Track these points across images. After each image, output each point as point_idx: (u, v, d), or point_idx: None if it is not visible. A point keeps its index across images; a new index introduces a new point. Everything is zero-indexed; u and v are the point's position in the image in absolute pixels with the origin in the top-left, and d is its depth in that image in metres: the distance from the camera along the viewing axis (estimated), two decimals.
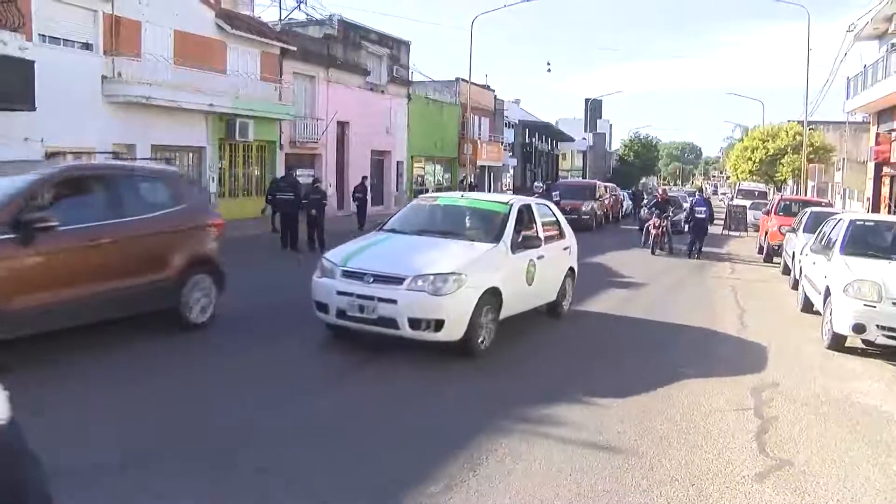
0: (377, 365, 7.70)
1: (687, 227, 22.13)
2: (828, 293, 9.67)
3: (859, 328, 8.93)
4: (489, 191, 48.12)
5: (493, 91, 48.36)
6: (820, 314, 10.46)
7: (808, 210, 17.05)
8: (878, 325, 8.83)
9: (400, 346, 7.87)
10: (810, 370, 8.48)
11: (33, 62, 16.81)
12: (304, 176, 27.31)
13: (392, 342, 7.86)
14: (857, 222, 11.06)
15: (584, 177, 68.83)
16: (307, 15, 30.68)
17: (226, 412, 5.96)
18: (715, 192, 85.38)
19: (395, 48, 35.83)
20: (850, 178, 35.52)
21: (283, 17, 30.26)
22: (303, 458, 5.08)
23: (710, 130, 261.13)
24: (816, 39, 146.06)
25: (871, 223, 11.43)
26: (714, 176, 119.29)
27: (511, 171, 53.78)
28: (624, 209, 38.19)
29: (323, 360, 7.99)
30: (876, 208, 27.83)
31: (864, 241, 10.55)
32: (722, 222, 31.52)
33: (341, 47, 31.16)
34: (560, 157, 73.52)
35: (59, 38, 19.35)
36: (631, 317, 11.26)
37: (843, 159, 36.56)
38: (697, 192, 24.33)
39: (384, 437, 5.57)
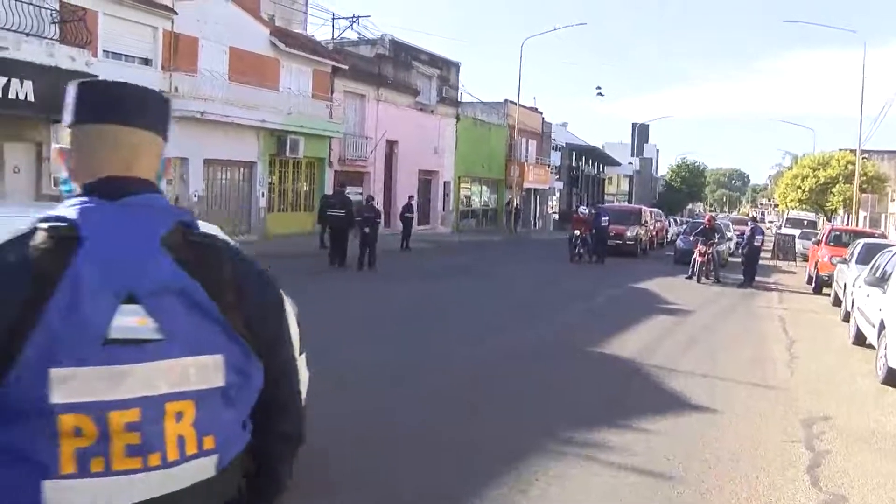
0: (420, 386, 7.75)
1: (742, 255, 21.70)
2: (882, 327, 9.48)
3: None
4: (535, 214, 48.20)
5: (541, 113, 48.46)
6: (873, 347, 10.28)
7: (861, 241, 16.77)
8: None
9: (440, 369, 7.92)
10: (863, 404, 8.32)
11: (97, 77, 17.27)
12: (352, 194, 27.68)
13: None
14: None
15: (629, 201, 68.48)
16: (359, 34, 31.15)
17: None
18: (762, 220, 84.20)
19: (445, 69, 36.15)
20: None
21: (335, 36, 30.73)
22: (342, 469, 5.13)
23: (757, 157, 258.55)
24: (870, 66, 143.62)
25: None
26: (761, 204, 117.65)
27: (557, 195, 53.71)
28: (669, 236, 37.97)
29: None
30: None
31: None
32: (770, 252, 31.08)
33: (392, 67, 31.53)
34: (606, 181, 73.22)
35: (121, 54, 19.91)
36: (677, 341, 11.17)
37: None
38: (752, 221, 23.94)
39: (433, 456, 5.61)
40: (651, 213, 35.12)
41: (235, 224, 24.08)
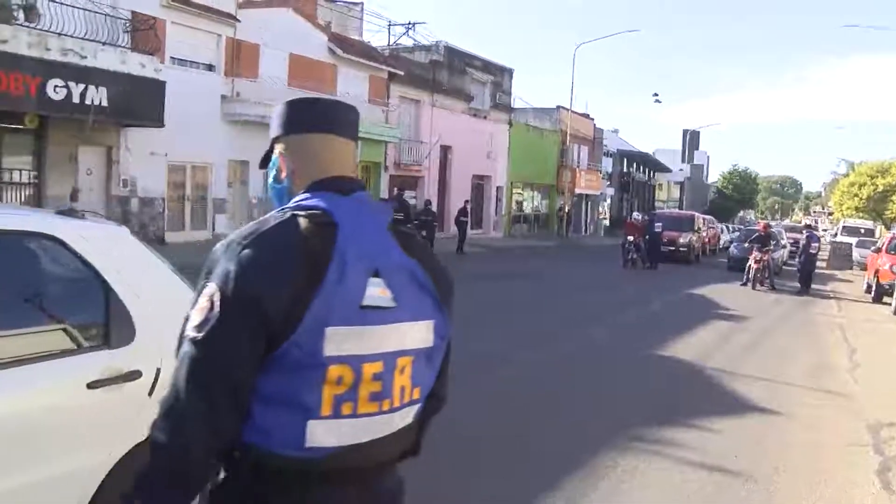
0: (482, 386, 7.98)
1: (798, 262, 21.55)
2: None
3: None
4: (586, 220, 48.11)
5: (593, 119, 48.40)
6: None
7: None
8: None
9: (501, 370, 8.13)
10: None
11: (165, 83, 17.91)
12: (407, 198, 28.08)
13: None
14: None
15: (680, 208, 67.81)
16: (414, 41, 31.55)
17: None
18: (815, 228, 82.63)
19: (499, 75, 36.39)
20: None
21: (391, 43, 31.17)
22: (413, 471, 5.38)
23: (811, 164, 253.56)
24: None
25: None
26: (814, 211, 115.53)
27: (608, 201, 53.57)
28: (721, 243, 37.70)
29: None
30: None
31: None
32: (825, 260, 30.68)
33: (446, 73, 31.86)
34: (657, 187, 72.68)
35: (186, 60, 20.54)
36: (735, 347, 11.24)
37: None
38: (807, 228, 23.73)
39: (502, 453, 5.83)
40: (704, 219, 34.89)
41: None
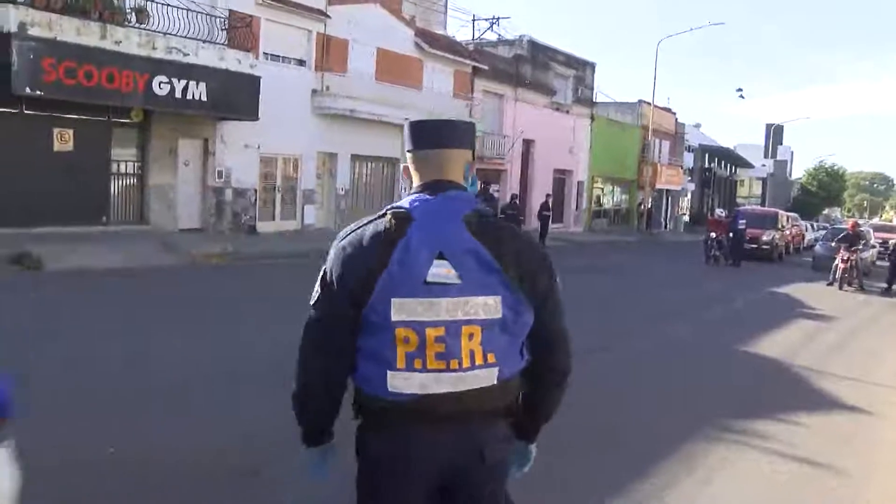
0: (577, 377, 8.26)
1: (889, 261, 21.10)
2: None
3: None
4: (666, 215, 47.61)
5: (675, 114, 47.84)
6: None
7: None
8: None
9: (587, 361, 8.40)
10: None
11: (259, 77, 18.66)
12: (492, 192, 28.41)
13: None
14: None
15: (762, 205, 66.35)
16: (498, 35, 31.79)
17: None
18: None
19: (581, 69, 36.38)
20: None
21: (475, 37, 31.50)
22: None
23: None
24: None
25: None
26: None
27: (689, 196, 52.88)
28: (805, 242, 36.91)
29: None
30: None
31: None
32: None
33: (529, 67, 32.05)
34: (738, 183, 71.28)
35: (278, 56, 21.27)
36: (822, 346, 11.22)
37: None
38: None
39: (589, 440, 6.13)
40: (787, 217, 34.21)
41: None
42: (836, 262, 20.26)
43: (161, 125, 18.19)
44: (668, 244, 35.88)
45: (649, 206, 40.55)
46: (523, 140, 31.33)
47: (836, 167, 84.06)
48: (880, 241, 28.96)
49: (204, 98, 17.41)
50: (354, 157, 24.04)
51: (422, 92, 25.92)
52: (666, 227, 47.45)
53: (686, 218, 51.20)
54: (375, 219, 2.10)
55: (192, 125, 18.79)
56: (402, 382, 2.03)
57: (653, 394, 7.62)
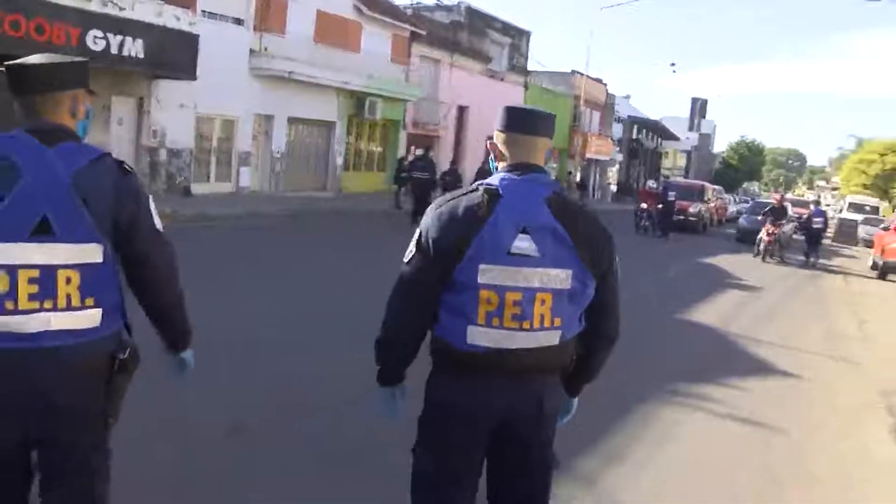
0: None
1: (802, 236, 22.18)
2: None
3: None
4: (595, 185, 48.41)
5: (606, 85, 48.51)
6: None
7: None
8: None
9: None
10: None
11: (198, 36, 18.23)
12: (433, 157, 28.35)
13: None
14: None
15: (686, 177, 67.99)
16: (436, 0, 31.64)
17: None
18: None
19: (517, 37, 36.54)
20: None
21: (414, 2, 31.30)
22: None
23: (817, 138, 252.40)
24: None
25: None
26: (818, 186, 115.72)
27: (616, 167, 53.85)
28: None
29: None
30: None
31: None
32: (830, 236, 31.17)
33: (466, 34, 32.04)
34: (663, 155, 72.83)
35: (216, 14, 20.76)
36: (752, 315, 11.81)
37: None
38: (814, 203, 24.29)
39: None
40: (713, 190, 35.30)
41: (314, 180, 25.12)
42: (761, 234, 21.10)
43: (95, 81, 16.90)
44: (598, 214, 36.54)
45: (578, 178, 41.13)
46: (458, 106, 31.41)
47: (756, 143, 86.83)
48: (797, 215, 30.21)
49: (140, 55, 16.89)
50: (291, 120, 23.75)
51: (360, 55, 25.70)
52: (594, 196, 48.30)
53: (614, 188, 52.22)
54: (469, 192, 2.38)
55: (128, 83, 18.26)
56: (480, 336, 2.31)
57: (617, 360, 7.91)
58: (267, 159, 23.22)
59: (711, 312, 11.53)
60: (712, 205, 32.89)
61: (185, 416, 4.83)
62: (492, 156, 2.54)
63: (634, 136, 57.28)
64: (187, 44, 17.99)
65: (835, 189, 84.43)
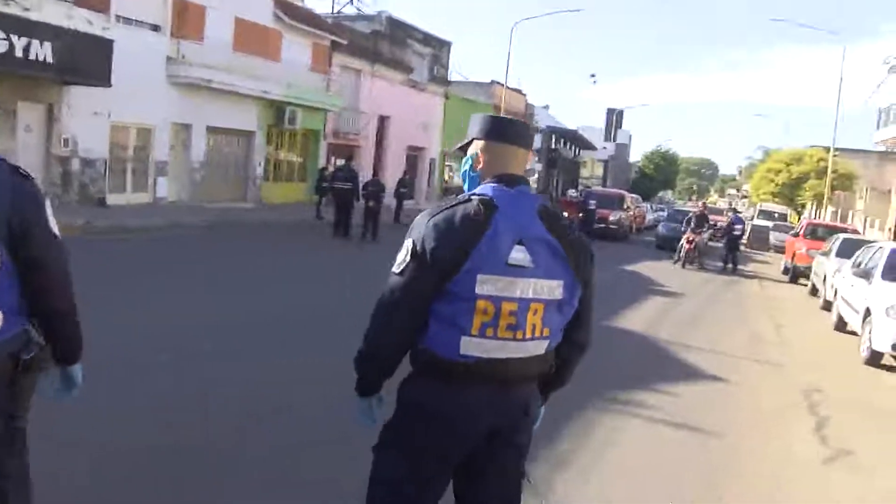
0: None
1: (720, 242, 22.79)
2: (868, 313, 10.43)
3: None
4: None
5: (525, 95, 49.10)
6: (854, 333, 11.37)
7: (841, 236, 17.74)
8: None
9: None
10: (853, 380, 9.28)
11: (112, 41, 17.63)
12: (355, 168, 28.09)
13: None
14: None
15: (604, 186, 69.45)
16: (358, 10, 31.51)
17: None
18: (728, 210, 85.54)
19: (438, 47, 36.64)
20: (871, 206, 36.18)
21: (334, 11, 31.06)
22: None
23: (728, 148, 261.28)
24: (831, 63, 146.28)
25: None
26: (729, 194, 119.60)
27: (535, 176, 54.47)
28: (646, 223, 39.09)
29: None
30: None
31: None
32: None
33: (387, 43, 31.94)
34: (581, 164, 74.14)
35: (131, 19, 20.14)
36: (677, 321, 12.04)
37: (867, 188, 37.20)
38: (733, 211, 25.03)
39: None
40: (632, 198, 36.05)
41: (233, 191, 24.58)
42: (682, 241, 21.59)
43: None
44: None
45: None
46: (379, 116, 31.26)
47: (671, 152, 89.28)
48: (713, 223, 31.09)
49: (49, 59, 16.18)
50: (210, 130, 23.18)
51: (280, 64, 25.31)
52: None
53: None
54: (462, 202, 2.33)
55: (36, 88, 17.48)
56: (474, 347, 2.29)
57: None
58: (185, 169, 22.61)
59: (639, 319, 11.69)
60: (631, 213, 33.56)
61: (101, 435, 4.57)
62: (469, 164, 2.54)
63: (553, 146, 58.12)
64: (101, 49, 17.39)
65: (744, 197, 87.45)
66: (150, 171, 21.45)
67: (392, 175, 28.92)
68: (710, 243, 26.16)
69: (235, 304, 9.31)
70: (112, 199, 19.74)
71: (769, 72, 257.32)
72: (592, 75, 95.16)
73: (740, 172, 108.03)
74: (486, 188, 2.38)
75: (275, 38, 25.20)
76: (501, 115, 2.66)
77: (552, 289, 2.34)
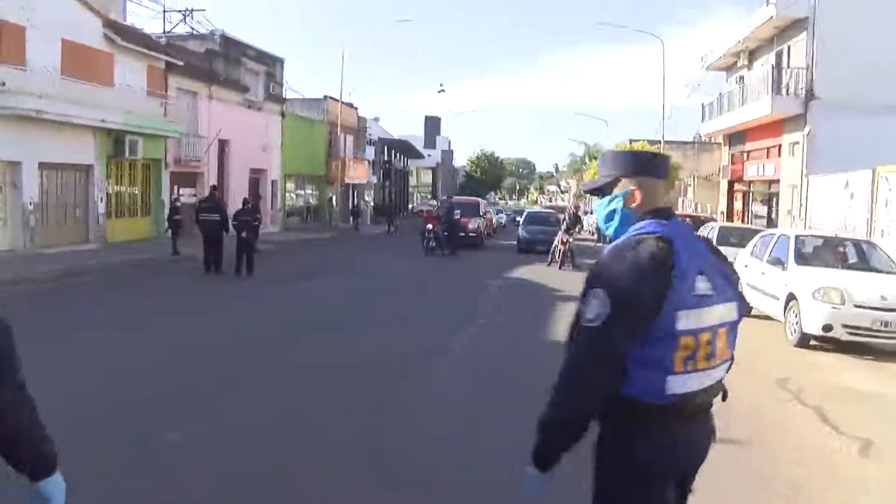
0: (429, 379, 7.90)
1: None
2: (792, 298, 10.83)
3: (827, 328, 10.17)
4: (352, 207, 48.19)
5: (356, 108, 48.64)
6: (769, 318, 11.84)
7: (715, 225, 18.48)
8: (843, 325, 10.13)
9: (443, 360, 8.08)
10: (812, 367, 9.60)
11: None
12: (185, 195, 26.44)
13: None
14: (800, 238, 12.43)
15: (433, 193, 70.17)
16: (192, 28, 29.83)
17: None
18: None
19: (271, 65, 35.51)
20: (699, 193, 38.56)
21: (166, 30, 29.25)
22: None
23: (545, 147, 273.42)
24: (650, 59, 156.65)
25: (812, 237, 12.94)
26: (548, 191, 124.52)
27: (373, 189, 54.12)
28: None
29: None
30: (730, 220, 30.50)
31: (809, 254, 12.01)
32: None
33: (222, 63, 30.52)
34: (410, 173, 74.52)
35: None
36: None
37: (694, 176, 39.63)
38: (574, 208, 25.58)
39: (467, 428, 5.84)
40: (484, 204, 36.52)
41: (74, 232, 22.42)
42: (556, 243, 21.83)
43: None
44: (369, 237, 36.32)
45: (357, 202, 40.70)
46: (219, 140, 29.69)
47: (493, 154, 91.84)
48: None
49: None
50: (43, 166, 20.93)
51: (114, 89, 23.39)
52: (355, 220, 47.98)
53: (370, 211, 52.18)
54: (636, 243, 2.30)
55: None
56: (679, 384, 2.27)
57: (490, 392, 7.56)
58: (18, 213, 20.29)
59: (556, 325, 11.50)
60: (486, 219, 33.89)
61: None
62: (622, 201, 2.50)
63: (386, 158, 58.08)
64: None
65: (564, 192, 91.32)
66: None
67: (234, 199, 27.26)
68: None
69: (126, 365, 8.25)
70: None
71: (570, 75, 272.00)
72: (441, 84, 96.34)
73: (557, 169, 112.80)
74: (649, 225, 2.39)
75: (106, 60, 23.26)
76: (653, 151, 2.74)
77: (730, 311, 2.41)
